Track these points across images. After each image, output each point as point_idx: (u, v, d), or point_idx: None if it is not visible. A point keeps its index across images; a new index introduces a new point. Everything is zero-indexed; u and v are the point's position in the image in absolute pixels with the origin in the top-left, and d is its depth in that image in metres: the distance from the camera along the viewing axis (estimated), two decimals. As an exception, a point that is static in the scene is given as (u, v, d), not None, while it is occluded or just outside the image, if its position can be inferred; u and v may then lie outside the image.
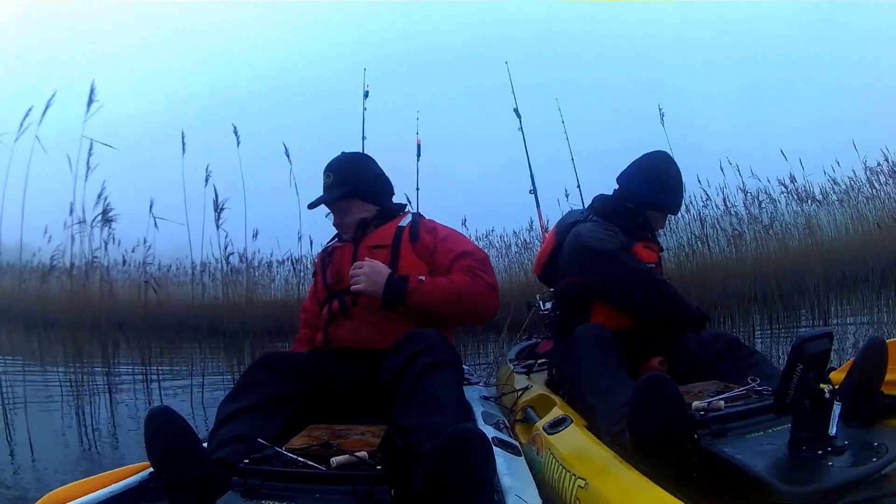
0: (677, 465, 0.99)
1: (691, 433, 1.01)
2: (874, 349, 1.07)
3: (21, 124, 2.95)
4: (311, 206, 1.67)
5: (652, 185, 1.80)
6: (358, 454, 0.91)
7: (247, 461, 0.91)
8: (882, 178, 5.22)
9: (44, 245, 3.83)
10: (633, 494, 0.92)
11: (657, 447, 1.00)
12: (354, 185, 1.61)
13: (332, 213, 1.66)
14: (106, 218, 3.16)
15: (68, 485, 0.98)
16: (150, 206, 3.41)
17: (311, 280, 1.80)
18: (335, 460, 0.90)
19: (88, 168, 3.09)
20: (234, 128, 3.59)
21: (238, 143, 3.58)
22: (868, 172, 5.28)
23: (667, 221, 1.97)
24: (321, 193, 1.64)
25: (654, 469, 0.97)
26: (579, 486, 1.05)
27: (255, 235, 4.36)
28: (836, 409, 0.93)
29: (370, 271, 1.44)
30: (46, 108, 2.96)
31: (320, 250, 1.79)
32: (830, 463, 0.89)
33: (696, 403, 1.09)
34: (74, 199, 3.13)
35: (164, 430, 0.91)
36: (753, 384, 1.15)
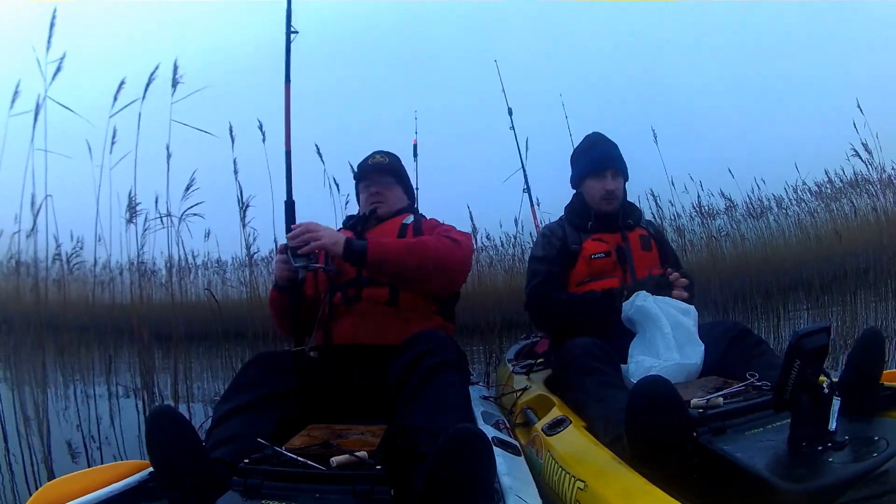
0: (677, 466, 0.98)
1: (690, 433, 1.01)
2: (870, 339, 1.06)
3: (115, 97, 2.67)
4: (362, 175, 1.74)
5: (576, 157, 1.90)
6: (358, 454, 0.91)
7: (247, 461, 0.90)
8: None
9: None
10: (633, 496, 0.91)
11: (655, 451, 0.99)
12: (403, 176, 1.77)
13: (370, 186, 1.70)
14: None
15: (62, 477, 0.96)
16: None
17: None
18: (335, 460, 0.90)
19: (169, 155, 2.82)
20: (260, 123, 3.16)
21: (263, 140, 3.16)
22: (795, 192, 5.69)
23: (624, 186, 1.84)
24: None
25: (653, 471, 0.97)
26: (579, 487, 1.05)
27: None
28: (836, 403, 0.93)
29: (327, 231, 1.38)
30: (149, 82, 2.69)
31: None
32: (831, 459, 0.89)
33: (694, 401, 1.09)
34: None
35: (166, 430, 0.91)
36: (752, 379, 1.14)
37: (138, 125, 2.74)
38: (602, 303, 1.64)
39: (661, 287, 1.60)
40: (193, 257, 5.75)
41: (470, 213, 5.06)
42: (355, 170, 1.81)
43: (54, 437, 2.25)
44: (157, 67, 2.73)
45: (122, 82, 2.73)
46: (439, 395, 1.16)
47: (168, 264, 3.28)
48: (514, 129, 3.07)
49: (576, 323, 1.68)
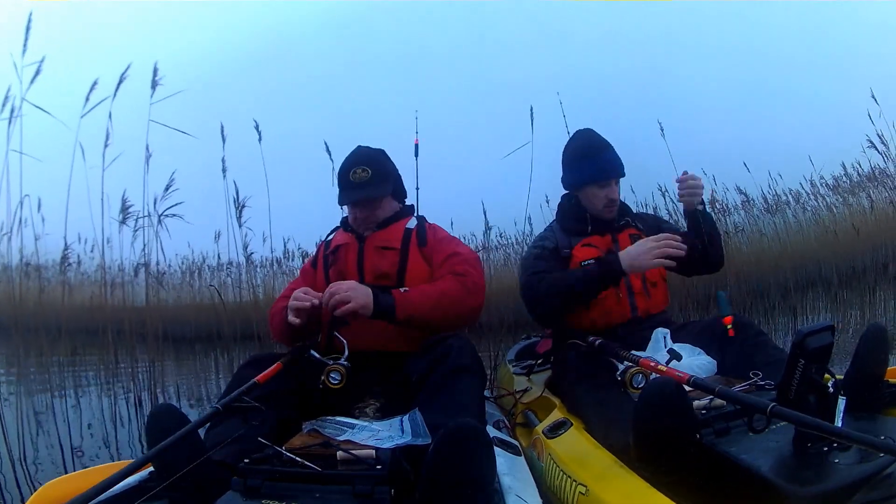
0: (680, 469, 0.96)
1: (694, 435, 0.99)
2: (874, 336, 1.04)
3: (87, 97, 2.76)
4: (346, 201, 1.55)
5: (570, 164, 1.79)
6: (358, 454, 0.91)
7: (247, 461, 0.91)
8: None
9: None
10: (635, 501, 0.91)
11: (661, 450, 0.97)
12: (392, 181, 1.59)
13: (356, 207, 1.55)
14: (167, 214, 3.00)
15: (61, 477, 0.98)
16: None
17: (313, 267, 1.66)
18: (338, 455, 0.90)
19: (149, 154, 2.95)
20: (256, 123, 3.33)
21: (259, 139, 3.34)
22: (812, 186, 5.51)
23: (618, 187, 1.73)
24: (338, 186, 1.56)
25: (656, 475, 0.96)
26: (580, 492, 1.04)
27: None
28: (841, 402, 0.92)
29: (355, 287, 1.33)
30: (120, 81, 2.78)
31: (322, 240, 1.71)
32: (837, 460, 0.88)
33: (697, 402, 1.07)
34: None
35: (166, 429, 0.91)
36: (756, 378, 1.12)
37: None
38: (594, 271, 1.55)
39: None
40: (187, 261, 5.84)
41: (451, 222, 4.99)
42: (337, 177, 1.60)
43: (63, 437, 2.30)
44: (128, 67, 2.81)
45: (96, 82, 2.82)
46: (457, 396, 1.16)
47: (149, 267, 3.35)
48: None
49: (571, 295, 1.58)
